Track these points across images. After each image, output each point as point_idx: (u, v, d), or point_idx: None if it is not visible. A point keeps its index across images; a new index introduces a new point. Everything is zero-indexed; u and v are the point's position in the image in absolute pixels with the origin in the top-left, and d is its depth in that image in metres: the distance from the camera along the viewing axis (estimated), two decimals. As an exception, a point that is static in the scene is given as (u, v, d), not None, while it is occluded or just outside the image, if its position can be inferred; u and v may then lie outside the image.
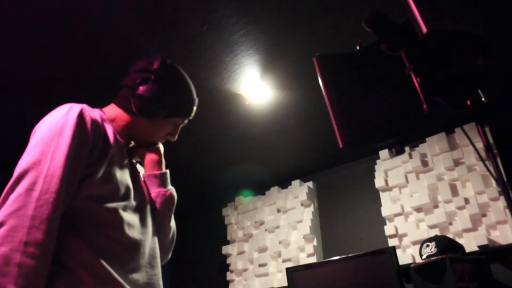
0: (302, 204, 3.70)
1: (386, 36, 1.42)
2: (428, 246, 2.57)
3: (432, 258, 2.46)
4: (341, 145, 1.38)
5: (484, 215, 2.77)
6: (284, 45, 2.45)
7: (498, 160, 2.77)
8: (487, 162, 2.62)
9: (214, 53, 2.48)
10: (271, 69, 2.63)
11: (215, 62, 2.55)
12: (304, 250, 3.50)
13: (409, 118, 1.36)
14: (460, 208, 2.86)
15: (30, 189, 1.01)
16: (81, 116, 1.14)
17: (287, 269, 3.24)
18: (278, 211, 3.84)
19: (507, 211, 2.67)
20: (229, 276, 3.90)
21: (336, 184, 3.76)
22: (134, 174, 1.30)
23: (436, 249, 2.51)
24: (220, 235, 4.13)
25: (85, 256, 1.05)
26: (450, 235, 2.79)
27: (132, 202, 1.21)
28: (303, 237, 3.53)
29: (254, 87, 2.77)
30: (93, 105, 1.31)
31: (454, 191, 2.95)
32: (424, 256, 2.56)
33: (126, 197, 1.19)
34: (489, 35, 2.27)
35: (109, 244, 1.11)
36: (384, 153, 3.40)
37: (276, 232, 3.74)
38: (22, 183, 1.01)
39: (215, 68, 2.59)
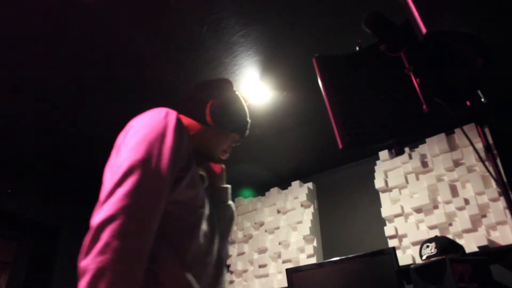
0: (302, 205, 3.70)
1: (385, 37, 1.41)
2: (428, 246, 2.57)
3: (432, 259, 2.46)
4: (340, 146, 1.37)
5: (484, 216, 2.77)
6: (283, 46, 2.45)
7: (498, 161, 2.77)
8: (487, 163, 2.62)
9: (214, 54, 2.49)
10: (270, 70, 2.63)
11: (214, 63, 2.55)
12: (304, 251, 3.50)
13: (408, 119, 1.36)
14: (460, 208, 2.86)
15: (139, 185, 1.02)
16: (178, 121, 1.19)
17: (287, 270, 3.23)
18: (278, 212, 3.84)
19: (507, 211, 2.67)
20: (229, 277, 3.89)
21: (336, 185, 3.76)
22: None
23: (436, 249, 2.51)
24: (220, 236, 4.12)
25: (167, 260, 1.08)
26: (450, 236, 2.79)
27: (206, 211, 1.25)
28: (303, 238, 3.53)
29: (254, 88, 2.77)
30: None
31: (454, 192, 2.95)
32: (424, 257, 2.56)
33: (203, 205, 1.24)
34: (488, 36, 2.28)
35: (189, 248, 1.14)
36: (384, 154, 3.40)
37: (276, 233, 3.74)
38: (131, 180, 1.02)
39: (214, 69, 2.59)
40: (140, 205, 1.00)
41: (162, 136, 1.12)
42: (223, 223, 1.39)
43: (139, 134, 1.13)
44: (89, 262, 0.91)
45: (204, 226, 1.21)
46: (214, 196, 1.41)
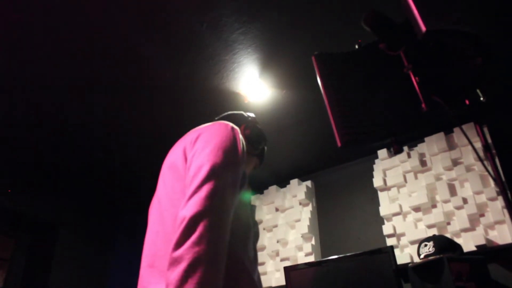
0: (300, 203, 3.71)
1: (385, 36, 1.41)
2: (426, 245, 2.57)
3: (430, 258, 2.47)
4: (339, 145, 1.37)
5: (482, 215, 2.77)
6: (283, 44, 2.45)
7: (497, 160, 2.77)
8: (485, 162, 2.62)
9: (213, 52, 2.48)
10: (270, 68, 2.63)
11: (214, 61, 2.55)
12: (302, 249, 3.50)
13: (407, 117, 1.36)
14: (458, 208, 2.86)
15: (222, 187, 1.14)
16: (239, 135, 1.36)
17: (285, 268, 3.24)
18: (276, 210, 3.84)
19: (505, 211, 2.67)
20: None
21: (334, 184, 3.76)
22: None
23: (434, 248, 2.51)
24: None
25: (238, 257, 1.18)
26: (448, 235, 2.79)
27: (250, 219, 1.38)
28: (301, 236, 3.53)
29: (253, 85, 2.77)
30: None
31: (453, 191, 2.95)
32: (422, 256, 2.56)
33: (248, 212, 1.37)
34: (488, 35, 2.28)
35: (247, 249, 1.25)
36: (382, 153, 3.40)
37: (274, 231, 3.74)
38: (215, 180, 1.14)
39: (214, 66, 2.59)
40: (224, 203, 1.12)
41: (234, 145, 1.28)
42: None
43: (214, 142, 1.26)
44: (184, 252, 1.00)
45: (252, 233, 1.34)
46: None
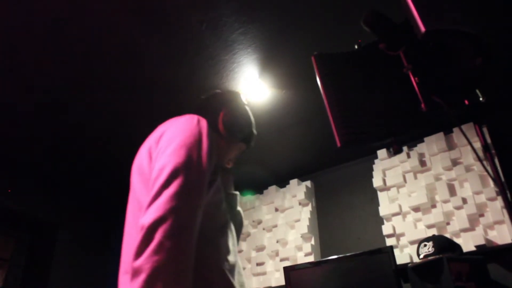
0: (300, 203, 3.71)
1: (384, 36, 1.41)
2: (425, 245, 2.57)
3: (430, 258, 2.47)
4: (338, 145, 1.37)
5: (482, 215, 2.77)
6: (282, 44, 2.45)
7: (496, 160, 2.77)
8: (485, 162, 2.62)
9: (213, 52, 2.48)
10: (269, 68, 2.63)
11: (213, 61, 2.55)
12: (301, 249, 3.50)
13: (407, 117, 1.36)
14: (458, 208, 2.86)
15: (185, 188, 1.07)
16: (208, 129, 1.26)
17: (284, 268, 3.24)
18: (276, 210, 3.84)
19: (505, 211, 2.68)
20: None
21: (334, 184, 3.76)
22: None
23: (433, 248, 2.51)
24: (218, 234, 4.12)
25: (212, 259, 1.14)
26: (447, 235, 2.79)
27: (227, 212, 1.32)
28: (301, 236, 3.53)
29: (253, 85, 2.77)
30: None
31: (452, 191, 2.95)
32: (421, 256, 2.56)
33: (224, 206, 1.31)
34: (487, 35, 2.27)
35: (221, 246, 1.21)
36: (382, 153, 3.40)
37: (274, 231, 3.75)
38: (176, 182, 1.07)
39: (213, 66, 2.59)
40: (187, 206, 1.05)
41: (199, 141, 1.19)
42: (235, 228, 1.44)
43: (178, 139, 1.18)
44: (143, 262, 0.95)
45: (229, 228, 1.29)
46: (227, 201, 1.46)
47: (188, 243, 1.01)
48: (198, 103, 1.59)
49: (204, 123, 1.26)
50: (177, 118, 1.29)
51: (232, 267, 1.22)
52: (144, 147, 1.31)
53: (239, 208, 1.52)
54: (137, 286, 0.93)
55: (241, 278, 1.27)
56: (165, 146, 1.18)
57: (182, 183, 1.07)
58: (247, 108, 1.59)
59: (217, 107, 1.52)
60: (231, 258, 1.23)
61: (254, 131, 1.60)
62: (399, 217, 3.13)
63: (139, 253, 0.97)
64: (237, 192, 1.55)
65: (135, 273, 0.95)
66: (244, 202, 4.08)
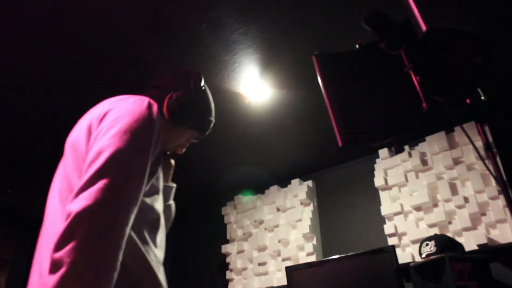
0: (301, 203, 3.70)
1: (385, 35, 1.41)
2: (427, 245, 2.57)
3: (432, 257, 2.46)
4: (340, 144, 1.38)
5: (484, 214, 2.77)
6: (283, 44, 2.45)
7: (498, 159, 2.77)
8: (486, 161, 2.62)
9: (213, 52, 2.48)
10: (270, 68, 2.63)
11: (214, 61, 2.55)
12: (303, 249, 3.50)
13: (408, 117, 1.36)
14: (460, 207, 2.86)
15: (122, 179, 0.97)
16: (158, 114, 1.14)
17: (286, 268, 3.24)
18: (278, 210, 3.84)
19: (507, 210, 2.67)
20: (228, 275, 3.90)
21: (335, 183, 3.76)
22: None
23: (435, 248, 2.51)
24: (219, 234, 4.13)
25: (138, 252, 1.04)
26: (449, 234, 2.79)
27: (161, 205, 1.23)
28: (303, 236, 3.53)
29: (254, 86, 2.77)
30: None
31: (454, 190, 2.95)
32: (423, 255, 2.56)
33: (160, 198, 1.21)
34: (488, 34, 2.27)
35: (151, 240, 1.11)
36: (383, 152, 3.40)
37: (275, 231, 3.74)
38: (113, 170, 0.97)
39: (214, 67, 2.59)
40: (122, 198, 0.95)
41: (146, 128, 1.07)
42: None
43: (123, 122, 1.05)
44: (64, 255, 0.85)
45: (161, 218, 1.20)
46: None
47: (118, 239, 0.91)
48: (157, 77, 1.46)
49: (155, 107, 1.14)
50: (127, 97, 1.17)
51: (158, 263, 1.13)
52: (84, 121, 1.18)
53: (171, 202, 1.42)
54: (53, 282, 0.83)
55: (162, 275, 1.19)
56: (107, 127, 1.05)
57: (121, 172, 0.97)
58: (205, 91, 1.44)
59: (167, 88, 1.37)
60: (158, 254, 1.14)
61: (210, 118, 1.45)
62: (401, 216, 3.12)
63: (61, 243, 0.86)
64: (174, 185, 1.45)
65: (54, 266, 0.85)
66: (246, 202, 4.08)
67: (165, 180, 1.40)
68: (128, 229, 0.95)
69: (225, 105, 2.92)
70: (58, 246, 0.86)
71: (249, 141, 3.38)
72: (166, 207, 1.39)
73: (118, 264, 0.91)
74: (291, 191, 3.81)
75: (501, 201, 2.72)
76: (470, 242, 2.73)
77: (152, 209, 1.13)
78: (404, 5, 1.16)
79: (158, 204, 1.17)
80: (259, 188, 4.06)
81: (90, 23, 2.25)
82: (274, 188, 3.95)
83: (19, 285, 3.79)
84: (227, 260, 3.97)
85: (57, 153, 3.69)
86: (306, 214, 3.63)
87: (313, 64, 1.56)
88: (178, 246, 4.42)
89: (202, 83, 1.43)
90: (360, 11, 1.47)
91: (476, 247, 2.70)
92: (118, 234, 0.92)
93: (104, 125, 1.07)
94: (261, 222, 3.90)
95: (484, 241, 2.66)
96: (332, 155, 3.61)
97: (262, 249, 3.77)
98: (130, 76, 2.63)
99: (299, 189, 3.76)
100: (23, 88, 2.68)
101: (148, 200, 1.12)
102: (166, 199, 1.39)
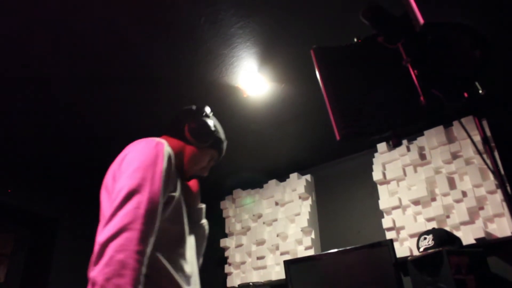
0: (300, 197, 3.71)
1: (383, 29, 1.41)
2: (425, 239, 2.57)
3: (429, 251, 2.47)
4: (338, 138, 1.37)
5: (482, 208, 2.78)
6: (281, 37, 2.44)
7: (496, 154, 2.77)
8: (484, 155, 2.62)
9: (212, 46, 2.47)
10: (269, 62, 2.62)
11: (212, 55, 2.54)
12: (302, 243, 3.51)
13: (406, 111, 1.36)
14: (458, 201, 2.87)
15: (137, 207, 1.20)
16: (166, 150, 1.39)
17: (285, 262, 3.25)
18: (276, 204, 3.85)
19: (504, 204, 2.68)
20: (227, 269, 3.91)
21: (334, 177, 3.76)
22: None
23: (433, 242, 2.52)
24: (218, 228, 4.13)
25: (163, 267, 1.28)
26: (447, 228, 2.80)
27: (187, 228, 1.46)
28: (301, 230, 3.54)
29: (252, 80, 2.76)
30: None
31: (452, 184, 2.95)
32: (421, 249, 2.57)
33: (185, 223, 1.44)
34: (487, 29, 2.27)
35: (177, 258, 1.35)
36: (382, 146, 3.40)
37: (274, 225, 3.75)
38: (131, 203, 1.20)
39: (212, 61, 2.58)
40: (138, 223, 1.17)
41: (154, 162, 1.32)
42: (197, 240, 1.58)
43: (135, 163, 1.31)
44: (97, 274, 1.08)
45: (187, 238, 1.43)
46: (190, 215, 1.56)
47: (137, 255, 1.12)
48: (172, 117, 1.73)
49: (161, 146, 1.38)
50: (139, 142, 1.43)
51: (189, 278, 1.37)
52: (111, 168, 1.44)
53: (203, 221, 1.65)
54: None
55: (193, 286, 1.42)
56: (124, 170, 1.31)
57: (135, 203, 1.20)
58: (212, 119, 1.70)
59: (185, 118, 1.66)
60: (187, 269, 1.37)
61: (222, 138, 1.71)
62: (399, 210, 3.13)
63: (93, 265, 1.11)
64: (203, 205, 1.67)
65: (91, 283, 1.09)
66: (244, 196, 4.08)
67: (193, 203, 1.62)
68: (147, 247, 1.17)
69: (224, 99, 2.92)
70: (92, 268, 1.12)
71: (247, 135, 3.37)
72: (198, 227, 1.62)
73: (141, 276, 1.12)
74: (289, 185, 3.82)
75: (498, 195, 2.72)
76: (467, 236, 2.74)
77: (172, 230, 1.36)
78: (403, -2, 1.15)
79: (180, 225, 1.41)
80: (258, 182, 4.06)
81: (87, 20, 2.23)
82: (272, 182, 3.96)
83: (18, 279, 3.79)
84: (226, 254, 3.98)
85: (58, 148, 3.70)
86: (305, 208, 3.64)
87: (311, 57, 1.56)
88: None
89: (209, 111, 1.72)
90: (358, 5, 1.46)
91: (473, 241, 2.71)
92: (137, 250, 1.13)
93: (123, 168, 1.34)
94: (260, 216, 3.90)
95: (481, 235, 2.67)
96: (330, 149, 3.61)
97: (260, 243, 3.78)
98: (129, 71, 2.62)
99: (298, 183, 3.76)
100: (20, 87, 2.67)
101: (168, 223, 1.34)
102: (198, 219, 1.63)
